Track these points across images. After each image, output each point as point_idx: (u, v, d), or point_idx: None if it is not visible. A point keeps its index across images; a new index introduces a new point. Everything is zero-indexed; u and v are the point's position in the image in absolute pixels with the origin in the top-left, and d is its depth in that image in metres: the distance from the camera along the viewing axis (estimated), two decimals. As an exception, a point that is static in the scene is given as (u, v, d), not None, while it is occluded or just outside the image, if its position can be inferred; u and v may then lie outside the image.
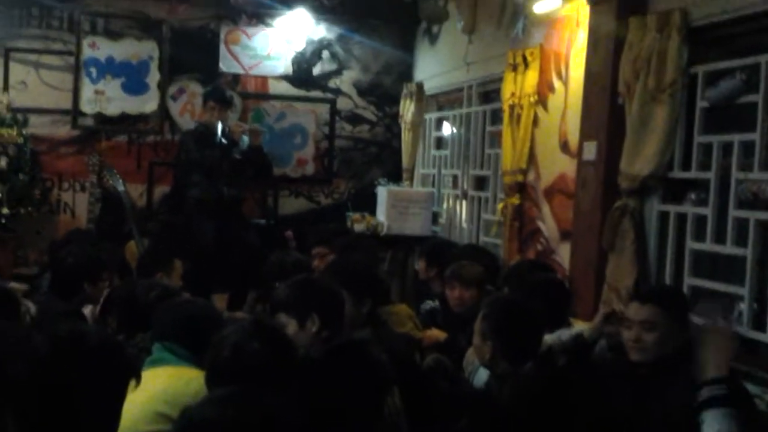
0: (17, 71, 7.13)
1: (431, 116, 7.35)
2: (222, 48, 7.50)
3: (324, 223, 7.05)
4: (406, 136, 7.43)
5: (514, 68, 5.43)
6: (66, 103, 7.17)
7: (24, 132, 6.72)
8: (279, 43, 7.60)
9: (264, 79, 7.66)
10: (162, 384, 2.70)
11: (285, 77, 7.67)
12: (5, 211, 6.40)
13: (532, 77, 5.25)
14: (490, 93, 6.28)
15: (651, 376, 2.97)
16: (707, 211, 3.82)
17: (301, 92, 7.72)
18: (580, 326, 3.68)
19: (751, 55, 3.66)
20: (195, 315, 3.03)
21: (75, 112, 7.17)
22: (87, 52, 7.20)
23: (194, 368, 2.85)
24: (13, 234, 6.55)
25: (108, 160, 7.07)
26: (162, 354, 2.90)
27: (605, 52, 4.34)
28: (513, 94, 5.41)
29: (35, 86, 7.17)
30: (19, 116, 6.78)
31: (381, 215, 6.72)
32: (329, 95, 7.77)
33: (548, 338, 3.51)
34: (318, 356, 2.56)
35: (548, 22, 5.16)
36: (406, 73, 7.78)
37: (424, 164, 7.40)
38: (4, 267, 6.08)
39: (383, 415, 2.72)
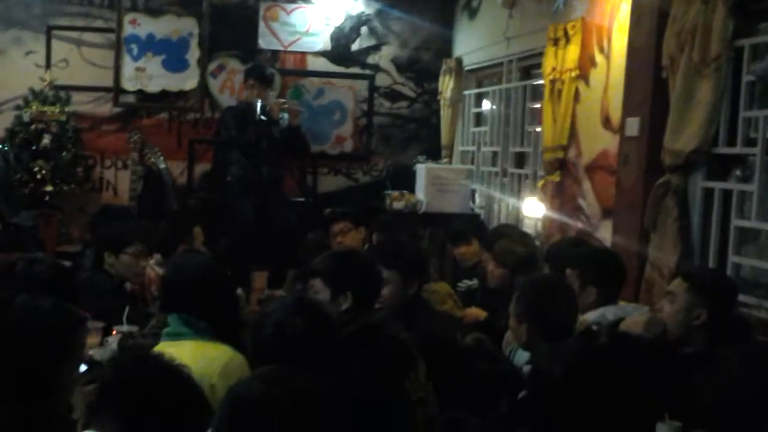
0: (59, 49, 7.19)
1: (470, 92, 7.27)
2: (261, 24, 7.49)
3: (362, 200, 7.05)
4: (445, 113, 7.38)
5: (555, 42, 5.34)
6: (107, 81, 7.23)
7: (66, 110, 6.78)
8: (318, 19, 7.57)
9: (303, 55, 7.64)
10: (185, 361, 2.69)
11: (323, 53, 7.65)
12: (49, 188, 6.48)
13: (573, 51, 5.16)
14: (530, 68, 6.20)
15: (692, 359, 2.94)
16: (752, 188, 3.74)
17: (340, 68, 7.69)
18: (624, 306, 3.62)
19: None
20: (202, 281, 3.00)
21: (116, 90, 7.23)
22: (128, 29, 7.25)
23: (215, 342, 2.87)
24: (57, 211, 6.63)
25: (149, 138, 7.12)
26: (179, 328, 2.90)
27: (649, 24, 4.26)
28: (554, 69, 5.33)
29: (77, 64, 7.23)
30: (62, 94, 6.85)
31: (420, 193, 6.70)
32: (368, 71, 7.73)
33: (592, 315, 3.47)
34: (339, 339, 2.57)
35: (590, -6, 5.07)
36: (445, 48, 7.70)
37: (463, 141, 7.34)
38: (48, 244, 6.16)
39: (406, 393, 2.74)
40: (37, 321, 2.27)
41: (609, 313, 3.46)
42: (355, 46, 7.70)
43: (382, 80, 7.76)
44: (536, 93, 5.95)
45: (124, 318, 3.79)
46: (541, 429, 2.08)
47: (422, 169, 6.72)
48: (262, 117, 6.55)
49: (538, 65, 5.70)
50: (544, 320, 3.13)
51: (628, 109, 4.43)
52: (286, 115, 6.69)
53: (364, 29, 7.69)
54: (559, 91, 5.27)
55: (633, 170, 4.34)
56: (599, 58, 4.97)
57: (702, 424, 2.42)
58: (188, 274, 3.00)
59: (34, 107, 6.58)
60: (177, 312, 2.92)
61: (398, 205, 6.65)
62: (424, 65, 7.77)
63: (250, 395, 1.78)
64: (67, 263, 4.52)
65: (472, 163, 7.06)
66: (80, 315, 2.43)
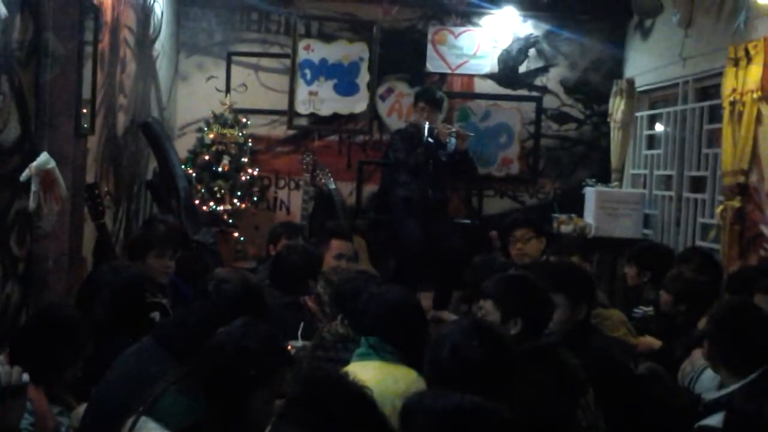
0: (238, 74, 7.54)
1: (643, 114, 7.10)
2: (429, 48, 7.59)
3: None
4: (615, 135, 7.22)
5: (736, 63, 5.13)
6: (282, 104, 7.51)
7: (244, 132, 7.08)
8: (485, 42, 7.60)
9: (470, 78, 7.68)
10: (369, 381, 2.76)
11: (491, 76, 7.66)
12: (228, 207, 6.78)
13: (755, 72, 4.95)
14: (707, 89, 6.00)
15: None
16: None
17: (507, 91, 7.67)
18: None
19: None
20: (399, 306, 3.08)
21: (291, 113, 7.50)
22: (302, 55, 7.51)
23: (399, 365, 2.91)
24: (234, 229, 6.93)
25: (320, 159, 7.34)
26: (368, 350, 2.99)
27: (842, 44, 4.03)
28: (734, 90, 5.12)
29: (254, 88, 7.55)
30: (241, 118, 7.15)
31: (589, 216, 6.58)
32: (535, 93, 7.67)
33: None
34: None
35: (774, 13, 4.86)
36: (615, 69, 7.55)
37: (634, 164, 7.17)
38: (226, 260, 6.44)
39: (577, 419, 2.69)
40: (248, 350, 2.39)
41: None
42: (522, 68, 7.66)
43: (549, 102, 7.68)
44: (714, 114, 5.75)
45: (299, 333, 3.91)
46: None
47: (592, 193, 6.60)
48: (430, 139, 6.61)
49: (716, 86, 5.51)
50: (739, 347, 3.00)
51: (817, 132, 4.21)
52: (453, 140, 6.72)
53: (532, 51, 7.65)
54: (740, 113, 5.06)
55: (823, 196, 4.11)
56: (785, 79, 4.75)
57: None
58: (384, 304, 3.08)
59: (215, 130, 6.90)
60: (368, 335, 3.01)
61: (566, 228, 6.56)
62: (593, 87, 7.64)
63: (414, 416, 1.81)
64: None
65: (644, 186, 6.87)
66: (288, 355, 2.54)
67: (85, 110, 4.56)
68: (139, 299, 3.71)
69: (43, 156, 3.90)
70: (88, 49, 4.62)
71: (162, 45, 6.82)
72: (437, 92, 7.04)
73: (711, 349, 3.03)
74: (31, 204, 3.89)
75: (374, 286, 3.54)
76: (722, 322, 3.02)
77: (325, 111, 7.54)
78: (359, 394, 2.04)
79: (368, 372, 2.66)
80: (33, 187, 3.84)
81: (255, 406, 2.32)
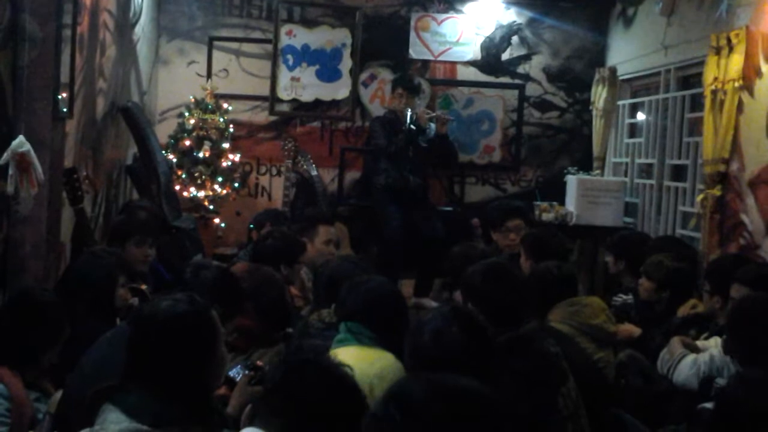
0: (219, 59, 7.48)
1: (625, 102, 7.11)
2: (412, 34, 7.57)
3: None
4: (597, 123, 7.22)
5: (717, 51, 5.15)
6: (264, 90, 7.46)
7: (225, 118, 7.03)
8: (468, 29, 7.58)
9: (453, 65, 7.66)
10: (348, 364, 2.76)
11: (473, 63, 7.64)
12: (208, 193, 6.73)
13: (737, 61, 4.96)
14: (689, 78, 6.02)
15: None
16: None
17: (490, 78, 7.66)
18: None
19: None
20: (378, 297, 3.07)
21: (272, 99, 7.45)
22: (284, 40, 7.47)
23: (376, 348, 2.91)
24: (215, 215, 6.89)
25: (302, 146, 7.31)
26: (346, 335, 2.98)
27: (822, 33, 4.04)
28: (716, 79, 5.13)
29: (236, 73, 7.51)
30: (223, 103, 7.08)
31: (570, 205, 6.59)
32: (518, 81, 7.67)
33: None
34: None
35: (755, 2, 4.86)
36: (598, 57, 7.55)
37: (616, 152, 7.18)
38: (207, 246, 6.39)
39: (558, 408, 2.69)
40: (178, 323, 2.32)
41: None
42: (505, 56, 7.65)
43: (532, 90, 7.68)
44: (695, 103, 5.77)
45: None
46: None
47: (573, 181, 6.61)
48: (412, 126, 6.59)
49: (698, 75, 5.52)
50: None
51: (797, 121, 4.22)
52: (432, 125, 6.72)
53: (514, 38, 7.63)
54: (721, 102, 5.07)
55: (802, 185, 4.13)
56: (765, 68, 4.77)
57: None
58: (365, 293, 3.07)
59: (195, 115, 6.84)
60: (346, 321, 3.00)
61: (547, 216, 6.56)
62: (575, 75, 7.64)
63: (410, 395, 1.78)
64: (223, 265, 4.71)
65: (625, 175, 6.89)
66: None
67: (63, 94, 4.50)
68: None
69: (18, 139, 3.86)
70: (67, 32, 4.56)
71: (142, 29, 6.75)
72: (415, 77, 7.04)
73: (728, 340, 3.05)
74: (9, 187, 3.85)
75: (367, 273, 3.52)
76: (740, 315, 3.04)
77: (307, 97, 7.50)
78: (339, 376, 2.03)
79: (344, 357, 2.65)
80: (10, 171, 3.81)
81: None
